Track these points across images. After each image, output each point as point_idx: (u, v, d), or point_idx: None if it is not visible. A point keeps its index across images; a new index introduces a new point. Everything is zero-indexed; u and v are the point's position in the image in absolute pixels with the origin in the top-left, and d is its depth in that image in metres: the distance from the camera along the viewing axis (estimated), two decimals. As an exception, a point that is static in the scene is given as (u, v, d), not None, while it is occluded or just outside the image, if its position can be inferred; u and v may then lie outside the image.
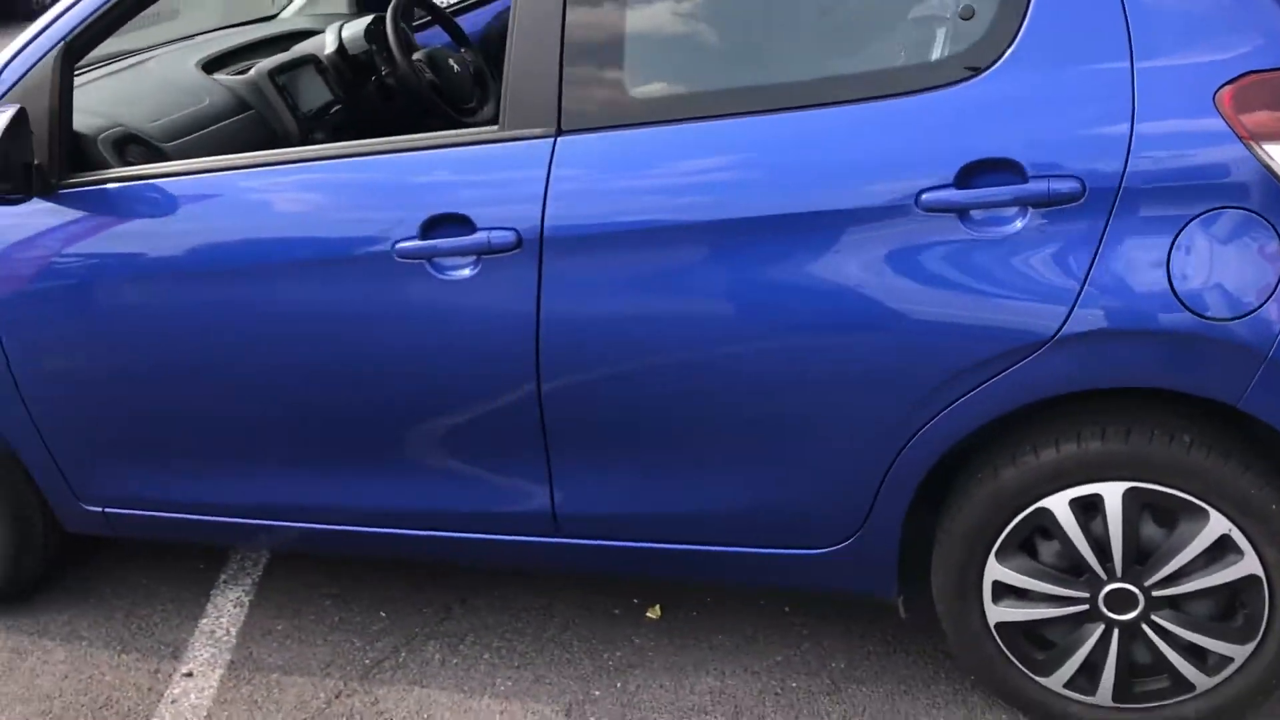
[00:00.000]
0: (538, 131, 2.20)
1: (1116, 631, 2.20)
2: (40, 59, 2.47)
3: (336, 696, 2.60)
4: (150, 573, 3.07)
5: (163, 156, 2.72)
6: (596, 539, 2.44)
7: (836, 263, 2.06)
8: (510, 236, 2.19)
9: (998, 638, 2.29)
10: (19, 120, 2.34)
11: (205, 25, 3.61)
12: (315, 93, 3.22)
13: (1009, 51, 1.99)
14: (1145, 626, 2.18)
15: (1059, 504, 2.13)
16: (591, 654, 2.66)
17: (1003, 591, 2.24)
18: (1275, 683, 2.19)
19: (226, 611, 2.91)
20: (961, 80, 2.01)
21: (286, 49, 3.42)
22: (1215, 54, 1.92)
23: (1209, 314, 1.94)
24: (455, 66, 3.45)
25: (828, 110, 2.07)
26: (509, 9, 2.24)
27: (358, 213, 2.32)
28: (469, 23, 3.81)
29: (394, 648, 2.74)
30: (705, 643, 2.67)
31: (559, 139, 2.18)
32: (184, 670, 2.73)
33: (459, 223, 2.22)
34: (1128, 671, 2.23)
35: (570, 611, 2.79)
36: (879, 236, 2.04)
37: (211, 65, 3.18)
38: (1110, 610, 2.18)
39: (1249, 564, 2.09)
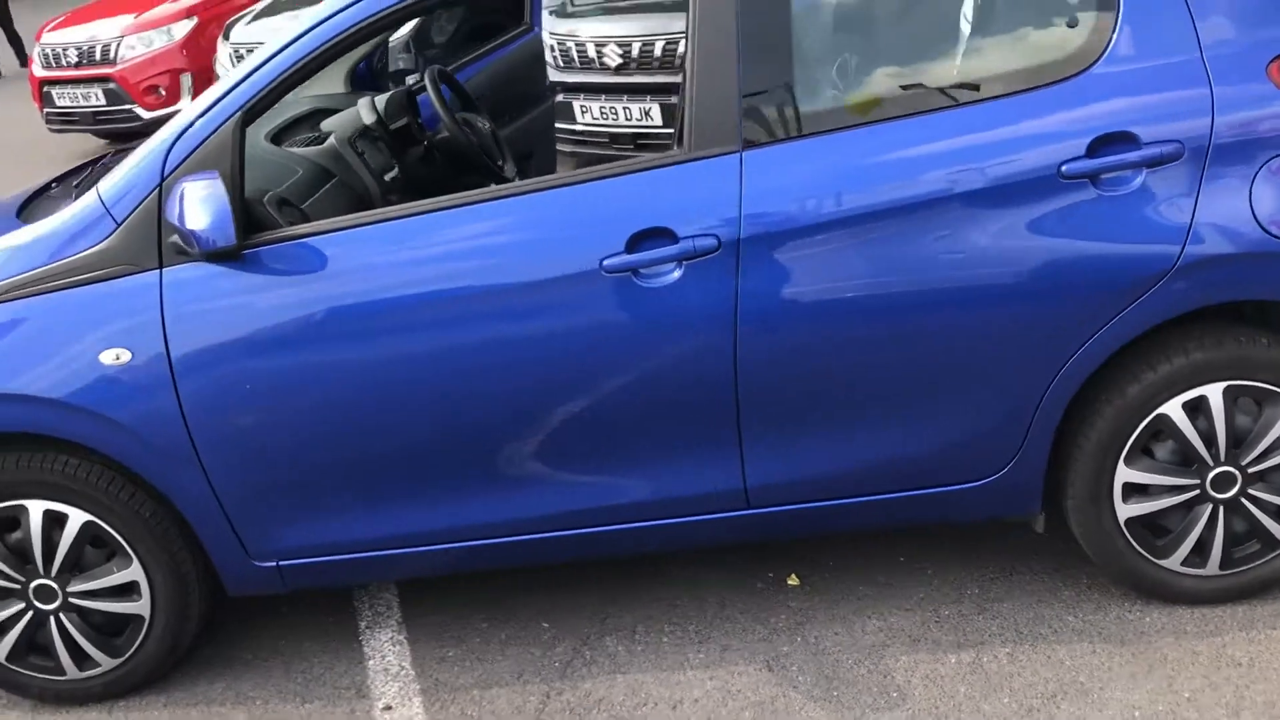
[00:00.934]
0: (723, 149, 2.56)
1: (1221, 509, 2.72)
2: (220, 125, 2.62)
3: (547, 697, 2.79)
4: (281, 633, 3.14)
5: (305, 218, 2.88)
6: (785, 505, 2.76)
7: (1000, 229, 2.52)
8: (712, 241, 2.53)
9: (1126, 532, 2.77)
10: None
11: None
12: (378, 158, 3.43)
13: (1107, 50, 2.54)
14: (1244, 500, 2.72)
15: (1174, 408, 2.65)
16: (759, 621, 2.96)
17: (1130, 491, 2.73)
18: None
19: (387, 650, 3.02)
20: (1076, 75, 2.54)
21: (314, 126, 3.60)
22: (1260, 36, 2.53)
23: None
24: (484, 127, 3.73)
25: (978, 106, 2.55)
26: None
27: (561, 238, 2.59)
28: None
29: (574, 648, 2.94)
30: (851, 595, 3.02)
31: (744, 153, 2.55)
32: (381, 705, 2.83)
33: (662, 235, 2.54)
34: (1229, 542, 2.76)
35: (719, 592, 3.08)
36: (1032, 203, 2.52)
37: (276, 138, 3.35)
38: (1215, 491, 2.71)
39: (1316, 434, 2.67)
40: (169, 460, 2.71)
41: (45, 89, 9.17)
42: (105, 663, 2.92)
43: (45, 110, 9.27)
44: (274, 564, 2.84)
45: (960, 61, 2.68)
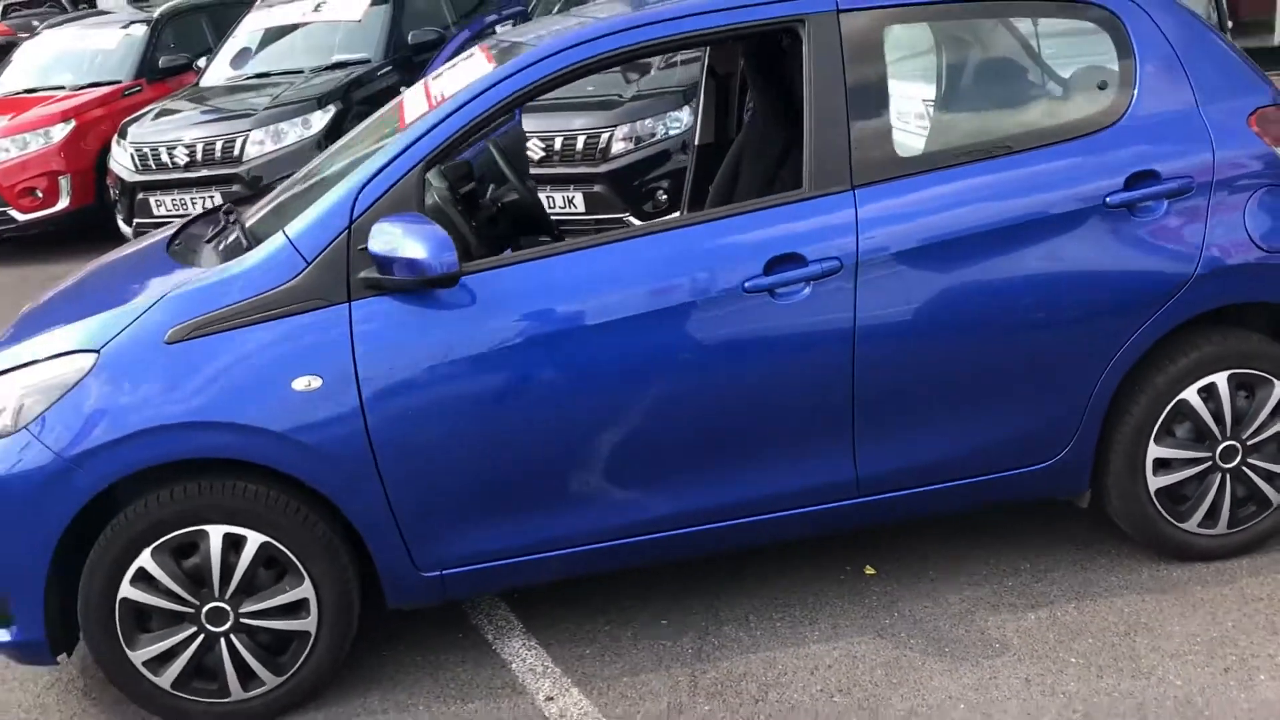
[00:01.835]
0: (839, 188, 3.07)
1: (1228, 477, 3.34)
2: (406, 173, 2.95)
3: (694, 676, 3.13)
4: (406, 651, 3.36)
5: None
6: (890, 492, 3.23)
7: (1061, 249, 3.11)
8: (835, 264, 3.02)
9: (1156, 502, 3.35)
10: None
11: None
12: (463, 215, 3.78)
13: (1130, 107, 3.19)
14: (1244, 468, 3.35)
15: (1191, 394, 3.27)
16: (854, 603, 3.39)
17: (1158, 466, 3.32)
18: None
19: (525, 654, 3.30)
20: (1109, 126, 3.18)
21: None
22: (1241, 99, 3.24)
23: (1273, 248, 3.20)
24: (534, 188, 4.14)
25: (1038, 150, 3.15)
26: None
27: (709, 265, 3.03)
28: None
29: (698, 637, 3.29)
30: (923, 578, 3.49)
31: (855, 191, 3.07)
32: (542, 697, 3.11)
33: (793, 260, 3.02)
34: (1234, 505, 3.38)
35: (807, 585, 3.49)
36: (1086, 228, 3.11)
37: None
38: (1223, 461, 3.33)
39: (1295, 412, 3.34)
40: (352, 479, 2.96)
41: (-85, 192, 8.94)
42: (269, 681, 3.08)
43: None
44: (438, 574, 3.10)
45: (1023, 115, 3.30)
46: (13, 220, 8.91)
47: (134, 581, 2.96)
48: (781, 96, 3.90)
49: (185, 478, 2.95)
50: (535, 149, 6.63)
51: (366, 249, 2.89)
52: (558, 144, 6.67)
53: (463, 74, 3.24)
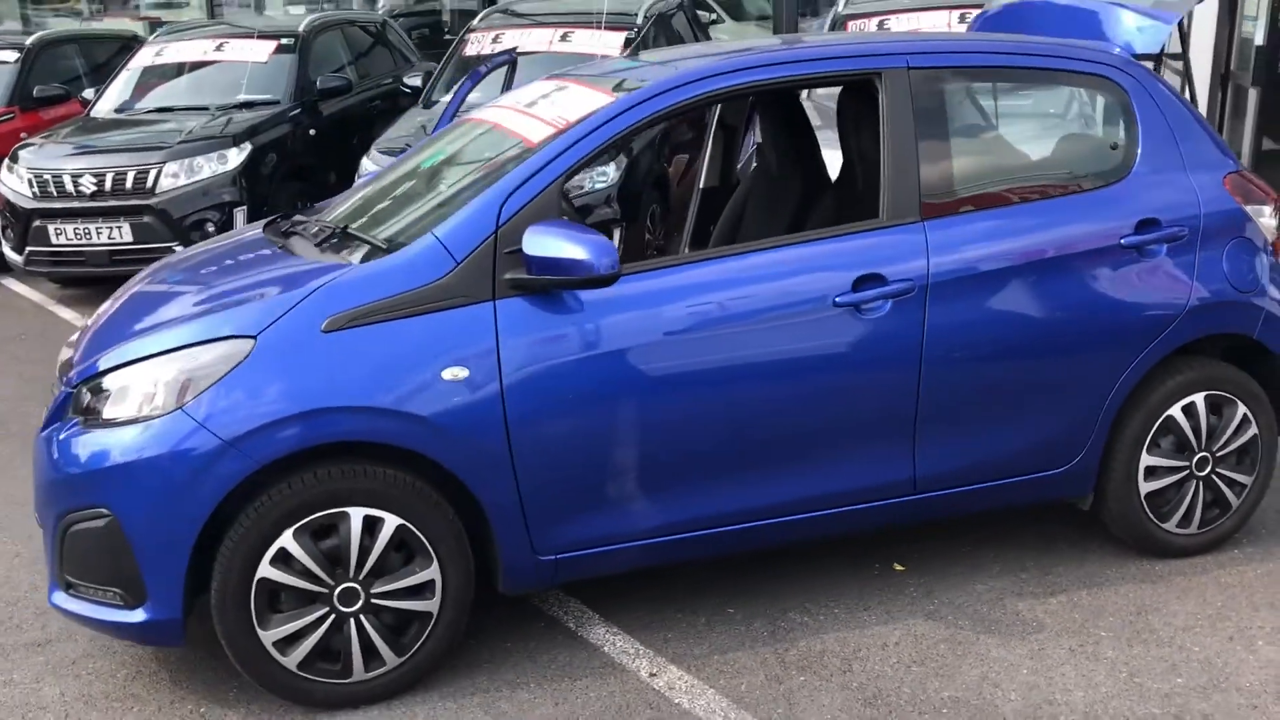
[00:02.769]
0: (910, 219, 3.52)
1: (1201, 483, 3.93)
2: (547, 186, 3.24)
3: (778, 653, 3.46)
4: (496, 643, 3.55)
5: None
6: (940, 491, 3.66)
7: (1088, 281, 3.65)
8: (909, 285, 3.47)
9: (1145, 505, 3.90)
10: None
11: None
12: None
13: (1134, 166, 3.78)
14: (1214, 476, 3.95)
15: (1176, 411, 3.84)
16: (897, 593, 3.79)
17: (1148, 473, 3.88)
18: (1260, 496, 4.05)
19: (613, 640, 3.55)
20: (1120, 180, 3.76)
21: None
22: (1217, 165, 3.88)
23: (1242, 290, 3.83)
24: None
25: (1064, 199, 3.69)
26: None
27: (805, 281, 3.42)
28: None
29: (769, 622, 3.62)
30: (949, 573, 3.92)
31: (925, 223, 3.53)
32: (646, 673, 3.37)
33: (876, 279, 3.45)
34: (1204, 507, 3.96)
35: (849, 579, 3.86)
36: (1095, 265, 3.66)
37: None
38: (1198, 470, 3.92)
39: (1254, 429, 3.96)
40: (489, 466, 3.18)
41: None
42: (391, 661, 3.23)
43: None
44: (552, 558, 3.33)
45: (1054, 164, 3.84)
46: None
47: (273, 561, 3.07)
48: (793, 148, 4.35)
49: (328, 461, 3.10)
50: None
51: (518, 251, 3.14)
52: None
53: (574, 101, 3.54)
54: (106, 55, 10.84)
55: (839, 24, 8.26)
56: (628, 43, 8.27)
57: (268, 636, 3.12)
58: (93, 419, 3.13)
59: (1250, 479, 3.98)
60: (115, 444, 3.05)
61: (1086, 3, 4.23)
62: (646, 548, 3.41)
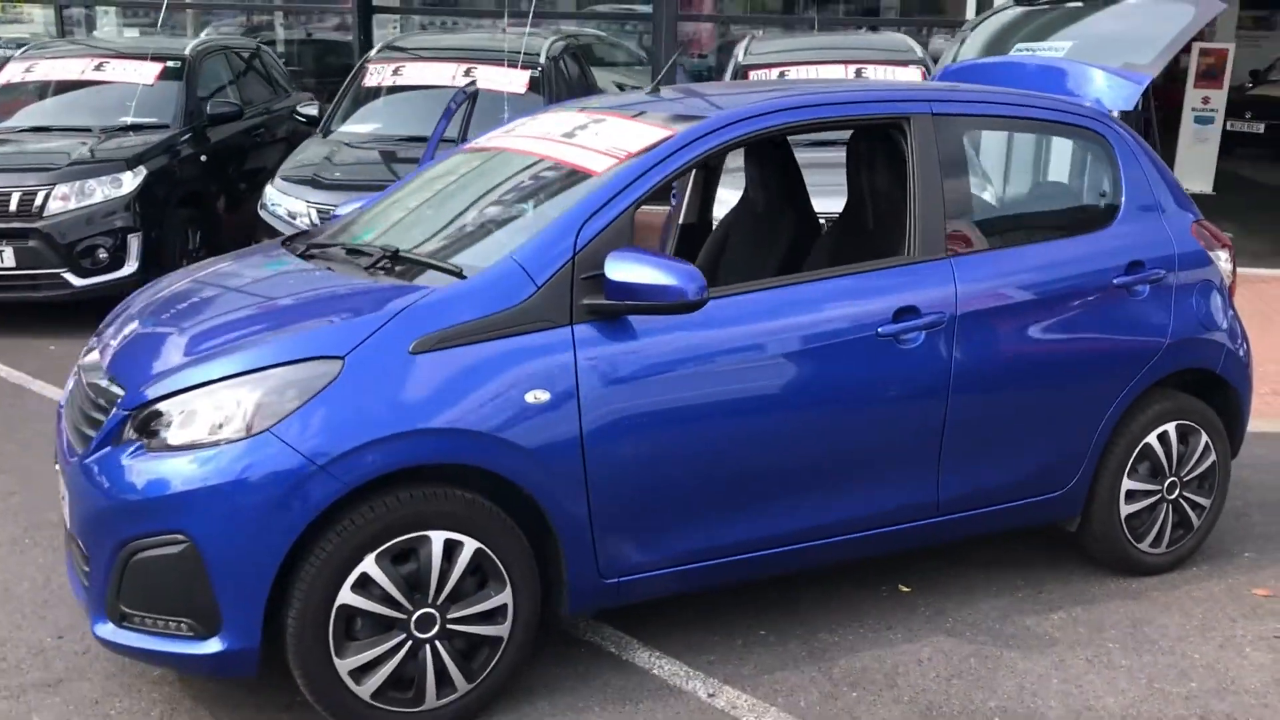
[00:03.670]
0: (938, 256, 3.74)
1: (1170, 506, 4.27)
2: (621, 213, 3.31)
3: (824, 671, 3.57)
4: (542, 664, 3.55)
5: None
6: (960, 513, 3.86)
7: (1087, 316, 3.94)
8: (940, 317, 3.68)
9: (1125, 526, 4.21)
10: None
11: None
12: None
13: (1120, 212, 4.12)
14: (1181, 499, 4.29)
15: (1152, 438, 4.17)
16: (912, 612, 3.96)
17: (1128, 496, 4.19)
18: (1216, 518, 4.42)
19: (660, 664, 3.59)
20: (1110, 224, 4.08)
21: None
22: (1185, 213, 4.26)
23: (1209, 328, 4.21)
24: None
25: (1065, 240, 3.99)
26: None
27: (854, 310, 3.57)
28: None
29: (801, 643, 3.73)
30: (952, 592, 4.12)
31: (952, 259, 3.75)
32: (705, 694, 3.43)
33: (912, 311, 3.64)
34: (1172, 528, 4.30)
35: (862, 601, 4.02)
36: (1093, 303, 3.96)
37: None
38: (1169, 493, 4.26)
39: (1214, 456, 4.33)
40: (563, 488, 3.20)
41: None
42: (461, 687, 3.20)
43: None
44: (615, 580, 3.37)
45: (1055, 209, 4.13)
46: None
47: (354, 587, 3.01)
48: (783, 188, 4.53)
49: (408, 484, 3.07)
50: None
51: (594, 276, 3.19)
52: None
53: (620, 132, 3.62)
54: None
55: (740, 73, 8.54)
56: (533, 80, 8.37)
57: (344, 665, 3.04)
58: (158, 443, 3.00)
59: (1209, 501, 4.34)
60: (193, 467, 2.93)
61: (1055, 61, 4.56)
62: (704, 569, 3.48)
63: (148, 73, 8.67)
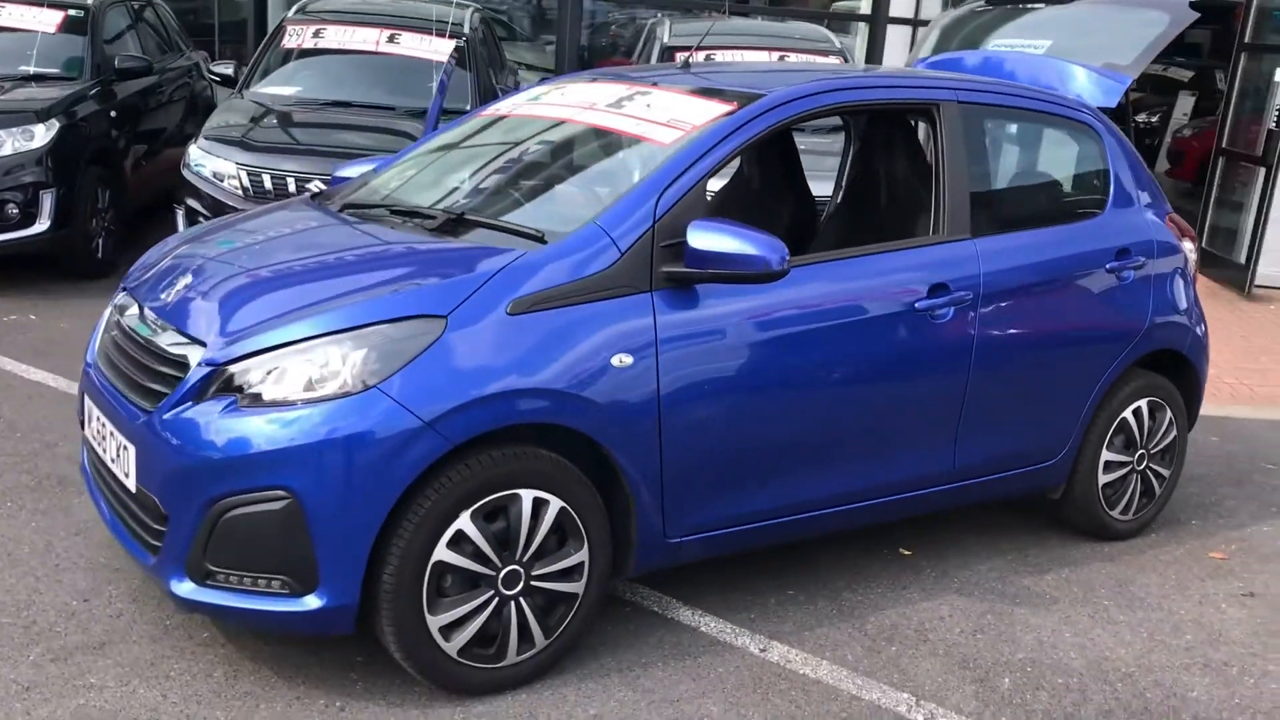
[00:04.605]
0: (964, 236, 3.96)
1: (1139, 476, 4.62)
2: (695, 184, 3.41)
3: (858, 627, 3.76)
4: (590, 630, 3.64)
5: None
6: (971, 480, 4.10)
7: (1086, 297, 4.23)
8: (967, 294, 3.90)
9: (1101, 494, 4.53)
10: None
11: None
12: None
13: (1109, 204, 4.42)
14: (1149, 470, 4.64)
15: (1128, 413, 4.51)
16: (920, 573, 4.18)
17: (1106, 467, 4.51)
18: (1174, 488, 4.79)
19: (704, 622, 3.71)
20: (1100, 212, 4.38)
21: None
22: (1160, 205, 4.60)
23: (1179, 312, 4.56)
24: None
25: (1068, 226, 4.27)
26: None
27: (891, 286, 3.76)
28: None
29: (829, 601, 3.91)
30: (949, 556, 4.37)
31: (976, 240, 3.98)
32: (756, 648, 3.57)
33: (944, 288, 3.85)
34: (1140, 496, 4.65)
35: (871, 563, 4.22)
36: (1090, 286, 4.26)
37: None
38: (1138, 465, 4.60)
39: (1175, 430, 4.70)
40: (641, 449, 3.29)
41: None
42: (539, 643, 3.25)
43: None
44: (678, 540, 3.47)
45: (1057, 195, 4.40)
46: None
47: (450, 543, 3.04)
48: (782, 168, 4.70)
49: (500, 443, 3.11)
50: None
51: (674, 244, 3.28)
52: None
53: (672, 105, 3.71)
54: None
55: (666, 54, 8.66)
56: (457, 49, 8.33)
57: (435, 622, 3.07)
58: (251, 399, 2.96)
59: (1170, 472, 4.70)
60: (295, 424, 2.91)
61: (1038, 58, 4.85)
62: (755, 530, 3.62)
63: (48, 20, 8.26)
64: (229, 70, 8.79)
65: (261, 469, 2.90)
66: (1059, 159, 4.57)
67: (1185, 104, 15.61)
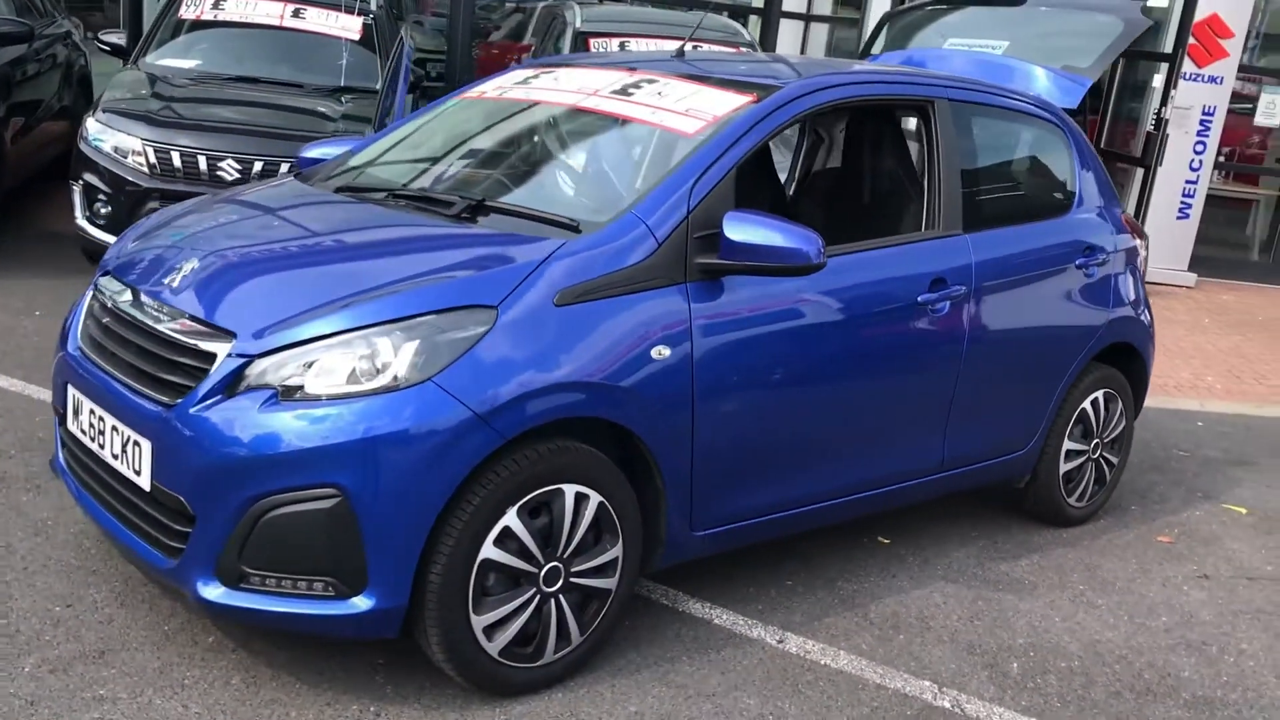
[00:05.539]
0: (957, 231, 4.04)
1: (1093, 464, 4.81)
2: (725, 175, 3.38)
3: (861, 616, 3.81)
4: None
5: None
6: (956, 470, 4.19)
7: (1057, 291, 4.37)
8: (962, 289, 3.99)
9: (1062, 483, 4.70)
10: None
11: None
12: None
13: (1076, 203, 4.58)
14: (1101, 458, 4.84)
15: (1088, 405, 4.68)
16: (903, 563, 4.26)
17: (1067, 455, 4.68)
18: (1120, 475, 5.00)
19: (718, 614, 3.70)
20: (1068, 212, 4.53)
21: None
22: (1117, 205, 4.78)
23: (1135, 307, 4.76)
24: None
25: (1044, 223, 4.40)
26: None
27: (898, 280, 3.81)
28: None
29: (828, 590, 3.95)
30: (923, 546, 4.46)
31: (969, 235, 4.07)
32: (773, 640, 3.58)
33: (942, 282, 3.93)
34: (1093, 483, 4.84)
35: (853, 553, 4.28)
36: (1064, 281, 4.40)
37: None
38: (1093, 454, 4.79)
39: (1125, 420, 4.90)
40: (674, 443, 3.26)
41: None
42: (574, 640, 3.19)
43: None
44: (703, 534, 3.46)
45: (1034, 192, 4.52)
46: None
47: (497, 541, 2.95)
48: (754, 162, 4.71)
49: (546, 438, 3.03)
50: None
51: (707, 235, 3.25)
52: None
53: (696, 95, 3.67)
54: None
55: (579, 39, 8.58)
56: (365, 27, 8.11)
57: (479, 622, 2.97)
58: (292, 392, 2.81)
59: (1119, 459, 4.91)
60: (345, 418, 2.77)
61: (998, 58, 4.98)
62: (769, 523, 3.62)
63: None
64: (120, 40, 8.32)
65: (308, 466, 2.76)
66: (1032, 157, 4.70)
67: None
